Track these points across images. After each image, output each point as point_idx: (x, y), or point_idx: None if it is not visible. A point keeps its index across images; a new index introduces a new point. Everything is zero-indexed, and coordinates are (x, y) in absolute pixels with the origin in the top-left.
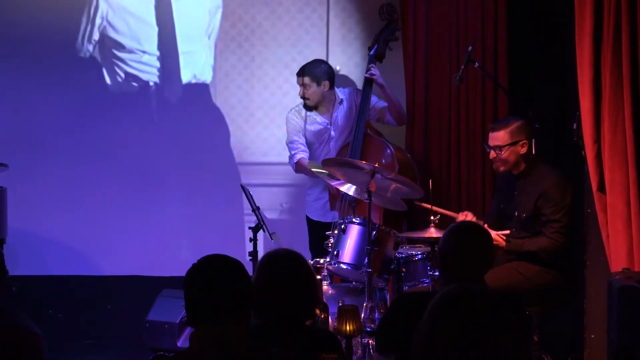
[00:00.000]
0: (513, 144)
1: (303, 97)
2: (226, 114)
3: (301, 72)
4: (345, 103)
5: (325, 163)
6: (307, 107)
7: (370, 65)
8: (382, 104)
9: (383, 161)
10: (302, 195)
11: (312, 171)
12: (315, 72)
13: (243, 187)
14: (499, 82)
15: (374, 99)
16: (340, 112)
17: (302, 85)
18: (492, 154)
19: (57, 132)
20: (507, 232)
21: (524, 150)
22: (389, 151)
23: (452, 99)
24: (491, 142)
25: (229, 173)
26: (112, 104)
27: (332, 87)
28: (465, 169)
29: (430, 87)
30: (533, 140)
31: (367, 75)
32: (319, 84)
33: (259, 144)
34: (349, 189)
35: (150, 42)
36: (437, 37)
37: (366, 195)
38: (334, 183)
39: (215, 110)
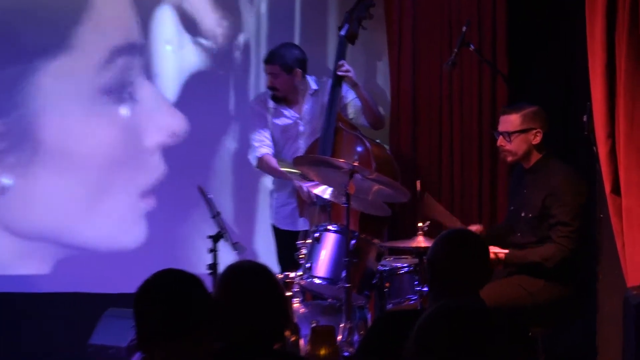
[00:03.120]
0: (524, 131)
1: (271, 88)
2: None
3: (270, 59)
4: (318, 94)
5: (297, 161)
6: (275, 99)
7: (341, 62)
8: (359, 102)
9: (356, 157)
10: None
11: (276, 170)
12: (286, 58)
13: (201, 190)
14: (498, 68)
15: (350, 95)
16: (311, 105)
17: (270, 74)
18: (501, 140)
19: None
20: (506, 251)
21: (536, 140)
22: (362, 147)
23: (443, 87)
24: (501, 127)
25: (185, 174)
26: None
27: (304, 75)
28: (459, 168)
29: (419, 73)
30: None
31: (339, 73)
32: (289, 73)
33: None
34: (323, 191)
35: None
36: (426, 16)
37: (344, 199)
38: (306, 184)
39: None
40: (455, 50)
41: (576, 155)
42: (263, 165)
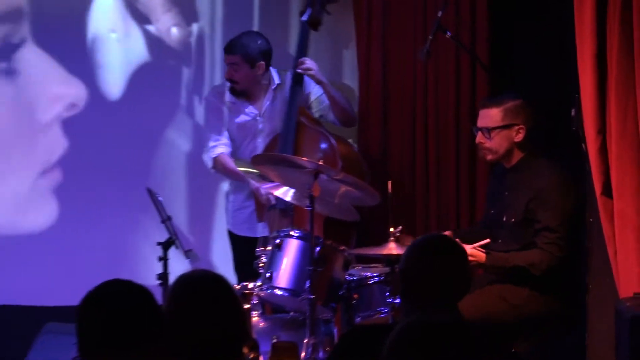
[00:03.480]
0: (506, 127)
1: (230, 80)
2: None
3: (230, 49)
4: (282, 89)
5: (256, 160)
6: (234, 92)
7: (302, 59)
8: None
9: (320, 156)
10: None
11: (233, 171)
12: (249, 49)
13: (150, 192)
14: (478, 56)
15: (316, 90)
16: (273, 101)
17: (230, 64)
18: (479, 136)
19: None
20: (487, 241)
21: (519, 137)
22: (327, 145)
23: (417, 78)
24: (479, 122)
25: (132, 174)
26: None
27: (267, 69)
28: (435, 167)
29: (390, 63)
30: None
31: (299, 70)
32: (252, 66)
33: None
34: (285, 193)
35: None
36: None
37: (308, 202)
38: (265, 186)
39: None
40: (430, 37)
41: (564, 154)
42: (218, 167)
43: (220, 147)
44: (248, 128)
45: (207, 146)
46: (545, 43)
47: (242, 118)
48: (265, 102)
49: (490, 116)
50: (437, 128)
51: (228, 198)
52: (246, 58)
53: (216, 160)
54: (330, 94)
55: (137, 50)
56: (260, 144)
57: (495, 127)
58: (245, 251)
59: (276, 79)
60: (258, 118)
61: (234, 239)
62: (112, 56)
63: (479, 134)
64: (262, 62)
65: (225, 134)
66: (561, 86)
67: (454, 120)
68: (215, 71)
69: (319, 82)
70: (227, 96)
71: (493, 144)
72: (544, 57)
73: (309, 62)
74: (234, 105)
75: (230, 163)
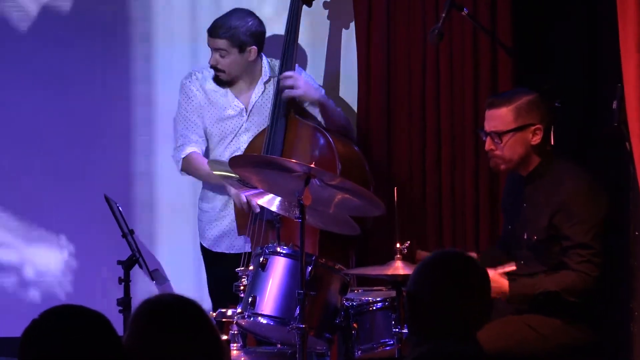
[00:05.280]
0: (520, 128)
1: (215, 68)
2: None
3: (216, 31)
4: (273, 82)
5: (235, 162)
6: (219, 82)
7: (288, 73)
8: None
9: (315, 156)
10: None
11: (209, 173)
12: (239, 31)
13: (108, 200)
14: (499, 39)
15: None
16: (263, 94)
17: (216, 50)
18: (489, 143)
19: None
20: (513, 267)
21: (536, 139)
22: (323, 141)
23: (427, 64)
24: (487, 126)
25: (88, 179)
26: None
27: (259, 54)
28: (449, 170)
29: (395, 47)
30: (552, 126)
31: (285, 92)
32: (242, 50)
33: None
34: (270, 201)
35: None
36: None
37: (297, 212)
38: (246, 193)
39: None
40: (443, 15)
41: (600, 154)
42: (189, 168)
43: (191, 145)
44: (230, 124)
45: (176, 143)
46: (580, 23)
47: (225, 111)
48: (254, 95)
49: (500, 117)
50: (452, 124)
51: (201, 207)
52: (234, 42)
53: (186, 160)
54: (326, 113)
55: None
56: (243, 145)
57: (506, 130)
58: (222, 271)
59: (269, 69)
60: (244, 114)
61: (209, 256)
62: None
63: (488, 139)
64: (254, 47)
65: (198, 129)
66: (598, 74)
67: (472, 115)
68: (199, 51)
69: (310, 102)
70: (209, 83)
71: (506, 152)
72: (578, 40)
73: (294, 78)
74: (215, 94)
75: (204, 164)
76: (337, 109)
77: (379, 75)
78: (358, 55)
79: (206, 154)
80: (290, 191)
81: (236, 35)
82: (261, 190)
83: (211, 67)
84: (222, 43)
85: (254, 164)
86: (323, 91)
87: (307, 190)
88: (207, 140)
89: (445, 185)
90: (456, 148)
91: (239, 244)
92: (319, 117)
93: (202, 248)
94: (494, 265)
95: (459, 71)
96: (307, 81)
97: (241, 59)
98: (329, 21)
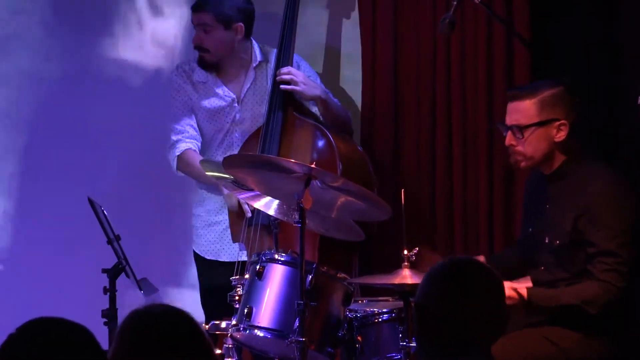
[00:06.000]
0: (543, 123)
1: (199, 47)
2: None
3: (199, 6)
4: (265, 69)
5: (229, 162)
6: (203, 64)
7: (285, 69)
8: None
9: (315, 156)
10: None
11: (201, 171)
12: (224, 5)
13: (91, 202)
14: (516, 29)
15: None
16: (255, 82)
17: (200, 26)
18: (509, 137)
19: None
20: (528, 283)
21: (560, 136)
22: (323, 140)
23: (438, 58)
24: (509, 119)
25: (70, 180)
26: None
27: (247, 36)
28: (460, 171)
29: (402, 38)
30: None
31: (281, 86)
32: (227, 27)
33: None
34: (267, 205)
35: None
36: None
37: (297, 216)
38: (242, 196)
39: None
40: (455, 3)
41: (626, 153)
42: (184, 167)
43: (185, 141)
44: (222, 117)
45: (170, 141)
46: (601, 12)
47: (215, 102)
48: (245, 83)
49: (523, 110)
50: (464, 121)
51: (194, 211)
52: (219, 17)
53: (182, 158)
54: (327, 109)
55: None
56: (237, 140)
57: (529, 124)
58: (216, 280)
59: (259, 55)
60: (235, 104)
61: (201, 263)
62: None
63: (509, 133)
64: (241, 24)
65: (193, 124)
66: (623, 67)
67: (485, 112)
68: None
69: (309, 99)
70: (197, 75)
71: (527, 148)
72: (600, 30)
73: (293, 74)
74: (204, 85)
75: (197, 161)
76: (337, 103)
77: (384, 68)
78: (362, 47)
79: (201, 151)
80: (289, 193)
81: (221, 9)
82: (258, 192)
83: (195, 47)
84: (206, 17)
85: (250, 164)
86: (322, 85)
87: (308, 193)
88: (202, 137)
89: (457, 187)
90: (468, 147)
91: (233, 251)
92: (319, 114)
93: (195, 255)
94: (505, 270)
95: (471, 64)
96: (306, 76)
97: (227, 36)
98: (328, 10)
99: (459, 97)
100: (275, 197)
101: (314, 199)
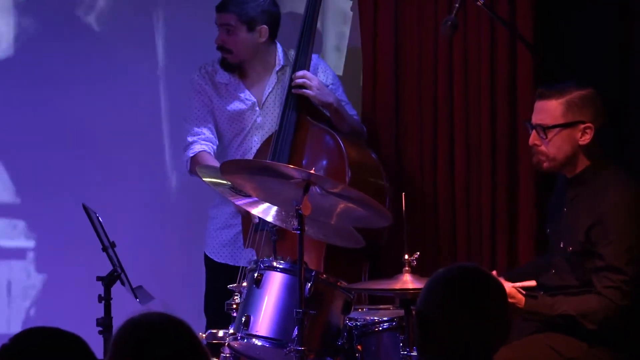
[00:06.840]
0: (568, 125)
1: (221, 48)
2: None
3: (223, 6)
4: (286, 72)
5: (226, 168)
6: (226, 66)
7: (298, 74)
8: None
9: (324, 163)
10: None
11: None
12: (248, 7)
13: (86, 209)
14: (519, 32)
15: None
16: (277, 86)
17: (223, 26)
18: (533, 136)
19: None
20: (532, 283)
21: (585, 139)
22: (333, 145)
23: (439, 59)
24: (534, 118)
25: (64, 185)
26: None
27: (272, 39)
28: (463, 175)
29: (403, 39)
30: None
31: (294, 91)
32: (251, 29)
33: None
34: (265, 211)
35: None
36: None
37: (295, 223)
38: (240, 202)
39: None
40: (457, 5)
41: (637, 159)
42: (196, 169)
43: (200, 143)
44: (242, 121)
45: (186, 142)
46: (610, 12)
47: (237, 105)
48: (267, 87)
49: (548, 110)
50: (466, 125)
51: (209, 214)
52: (243, 18)
53: (194, 160)
54: (338, 118)
55: None
56: (256, 144)
57: (553, 125)
58: (223, 284)
59: (283, 59)
60: (256, 108)
61: (211, 266)
62: None
63: (534, 132)
64: (265, 26)
65: (210, 126)
66: (633, 69)
67: (488, 115)
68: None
69: (322, 105)
70: (219, 76)
71: (550, 148)
72: (609, 31)
73: (307, 77)
74: (225, 87)
75: (210, 162)
76: (352, 116)
77: (385, 69)
78: (363, 49)
79: (217, 155)
80: (287, 200)
81: (245, 9)
82: (256, 199)
83: (218, 48)
84: (229, 17)
85: (248, 169)
86: (343, 94)
87: (307, 199)
88: (220, 140)
89: (459, 191)
90: (471, 150)
91: (245, 256)
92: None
93: (205, 257)
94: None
95: (474, 67)
96: (321, 82)
97: (250, 38)
98: (329, 11)
99: (462, 101)
100: (273, 204)
101: (313, 205)
